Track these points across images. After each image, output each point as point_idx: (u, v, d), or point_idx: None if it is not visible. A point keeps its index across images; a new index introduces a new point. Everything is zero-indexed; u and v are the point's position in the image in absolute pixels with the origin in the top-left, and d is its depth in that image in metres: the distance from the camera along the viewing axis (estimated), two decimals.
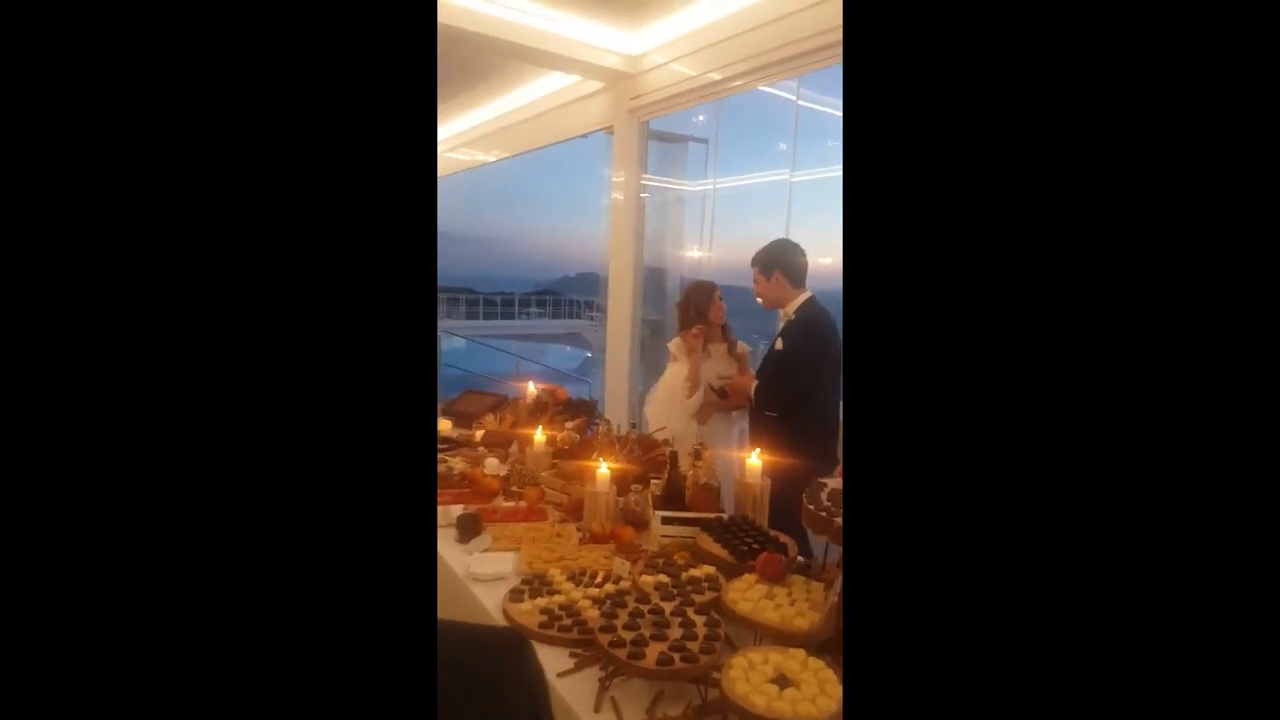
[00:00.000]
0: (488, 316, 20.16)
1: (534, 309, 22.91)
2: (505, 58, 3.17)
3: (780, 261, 2.14)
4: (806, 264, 2.18)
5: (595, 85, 3.42)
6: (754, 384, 2.17)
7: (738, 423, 2.37)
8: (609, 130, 3.51)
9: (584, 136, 3.78)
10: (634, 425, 2.28)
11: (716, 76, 2.81)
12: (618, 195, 3.48)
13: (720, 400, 2.27)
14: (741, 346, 2.42)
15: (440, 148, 5.12)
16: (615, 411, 3.38)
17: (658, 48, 3.05)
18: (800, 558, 1.41)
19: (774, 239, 2.24)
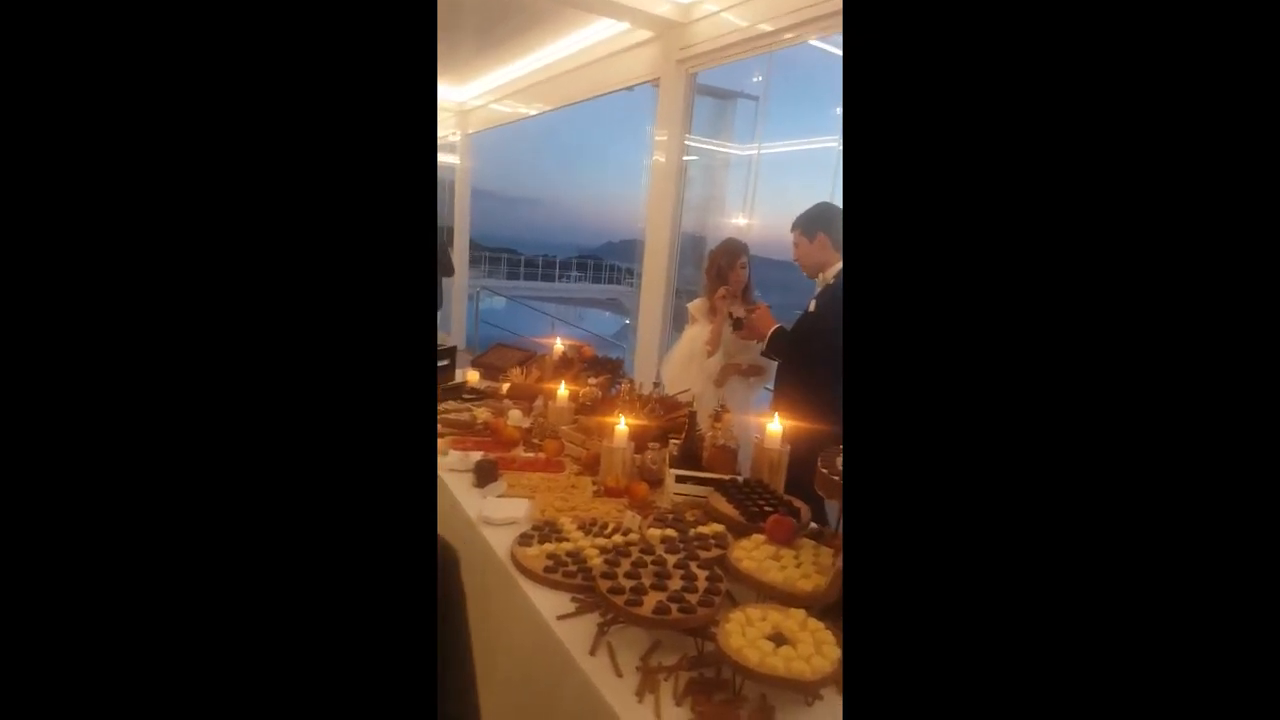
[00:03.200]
0: (528, 278, 20.25)
1: (575, 273, 22.92)
2: (552, 2, 3.09)
3: (824, 223, 2.06)
4: None
5: (643, 35, 3.30)
6: (775, 325, 2.11)
7: (755, 389, 2.32)
8: (655, 83, 3.41)
9: (629, 90, 3.68)
10: (657, 385, 2.25)
11: (767, 28, 2.68)
12: (659, 157, 3.39)
13: (735, 331, 2.20)
14: (763, 307, 2.34)
15: (483, 99, 5.07)
16: (644, 376, 3.37)
17: None
18: (814, 524, 1.37)
19: (817, 202, 2.15)
